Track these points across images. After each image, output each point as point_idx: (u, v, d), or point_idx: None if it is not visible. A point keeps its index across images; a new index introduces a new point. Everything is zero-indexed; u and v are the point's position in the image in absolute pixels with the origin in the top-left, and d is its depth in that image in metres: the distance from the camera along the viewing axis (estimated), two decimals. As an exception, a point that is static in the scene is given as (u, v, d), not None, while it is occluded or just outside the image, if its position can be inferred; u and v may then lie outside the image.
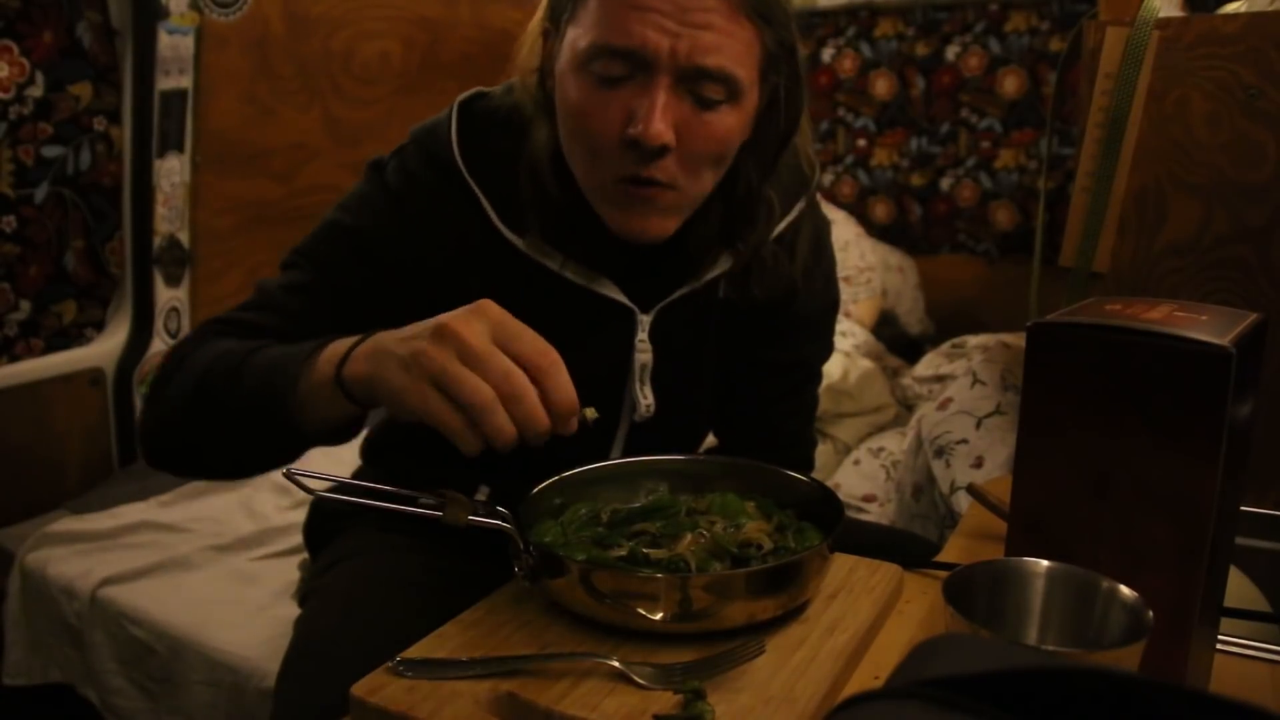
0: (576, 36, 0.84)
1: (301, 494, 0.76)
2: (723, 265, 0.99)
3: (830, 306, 1.14)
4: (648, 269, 0.97)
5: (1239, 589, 0.89)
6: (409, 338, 0.72)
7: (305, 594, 1.13)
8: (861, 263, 2.70)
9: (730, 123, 0.86)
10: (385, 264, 0.94)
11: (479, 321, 0.70)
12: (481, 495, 1.01)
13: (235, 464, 0.93)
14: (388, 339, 0.75)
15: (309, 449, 0.85)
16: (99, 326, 2.08)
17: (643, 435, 1.03)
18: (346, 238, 0.95)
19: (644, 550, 0.77)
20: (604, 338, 0.98)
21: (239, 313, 0.95)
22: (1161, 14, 1.24)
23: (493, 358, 0.69)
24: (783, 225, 1.01)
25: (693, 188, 0.88)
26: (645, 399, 1.00)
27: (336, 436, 0.86)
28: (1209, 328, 0.65)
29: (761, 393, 1.12)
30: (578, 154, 0.89)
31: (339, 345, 0.80)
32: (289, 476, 0.76)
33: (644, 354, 0.99)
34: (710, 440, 1.22)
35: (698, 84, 0.83)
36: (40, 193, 1.91)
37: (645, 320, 0.98)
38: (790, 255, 1.02)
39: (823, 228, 1.10)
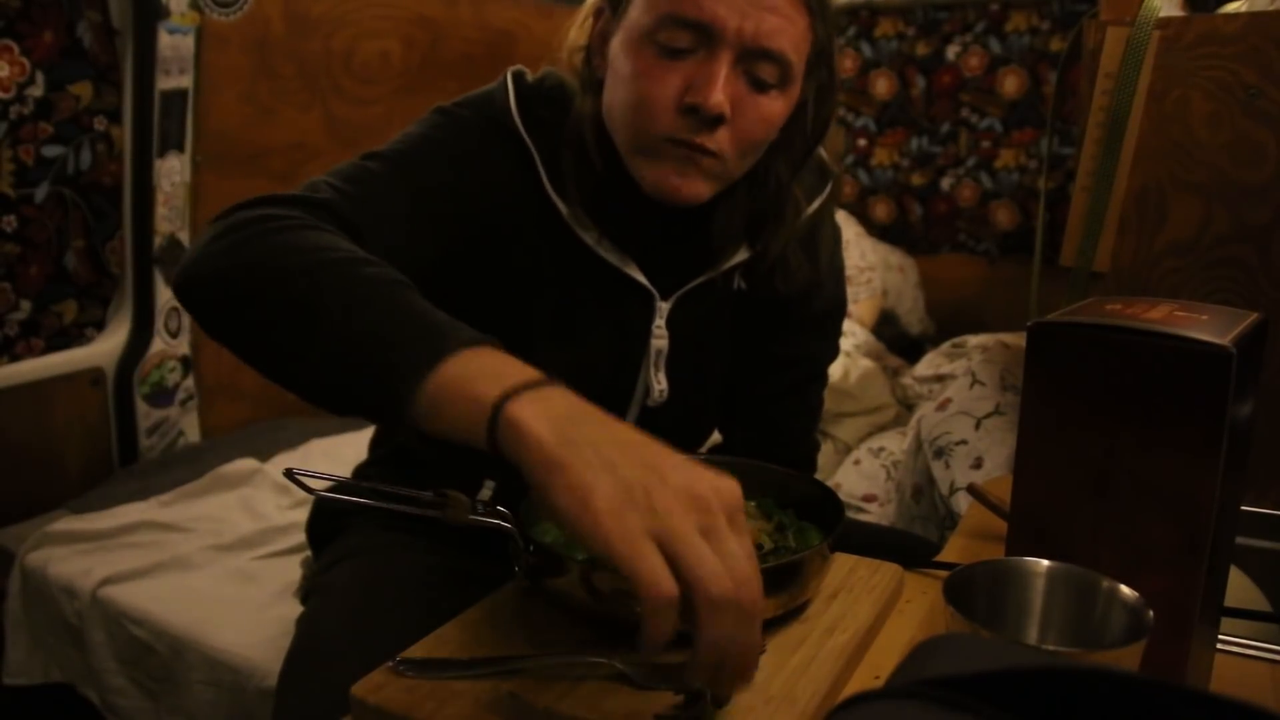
0: (641, 13, 0.87)
1: (302, 493, 0.75)
2: (741, 255, 1.02)
3: (839, 306, 1.17)
4: (671, 256, 1.00)
5: (1239, 588, 0.90)
6: (641, 462, 0.56)
7: (308, 591, 1.14)
8: (862, 262, 2.70)
9: (778, 108, 0.90)
10: (460, 191, 0.92)
11: (727, 495, 0.57)
12: (486, 490, 1.02)
13: (280, 371, 0.72)
14: (598, 427, 0.58)
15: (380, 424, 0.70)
16: (99, 326, 2.08)
17: (652, 422, 1.05)
18: (435, 148, 0.93)
19: (644, 550, 0.77)
20: (624, 320, 1.00)
21: (338, 199, 0.84)
22: (1162, 14, 1.24)
23: (741, 551, 0.55)
24: (801, 220, 1.03)
25: (734, 165, 0.91)
26: (659, 385, 1.02)
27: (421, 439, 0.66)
28: (1209, 327, 0.65)
29: (765, 388, 1.13)
30: (627, 118, 0.90)
31: (502, 364, 0.63)
32: (289, 476, 0.76)
33: (660, 340, 1.01)
34: (714, 438, 1.23)
35: (755, 64, 0.86)
36: (41, 192, 1.91)
37: (664, 307, 1.01)
38: (813, 251, 1.05)
39: (836, 231, 1.13)
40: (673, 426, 1.02)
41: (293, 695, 0.93)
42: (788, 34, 0.86)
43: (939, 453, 1.65)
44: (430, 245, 0.91)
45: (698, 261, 1.01)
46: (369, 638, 0.89)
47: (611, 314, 0.99)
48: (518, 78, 0.98)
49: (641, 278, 0.99)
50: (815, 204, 1.05)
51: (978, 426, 1.65)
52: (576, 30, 0.98)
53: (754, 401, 1.14)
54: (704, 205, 0.94)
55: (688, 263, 1.00)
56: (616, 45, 0.90)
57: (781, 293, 1.03)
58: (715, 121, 0.85)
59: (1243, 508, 0.78)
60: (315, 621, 1.01)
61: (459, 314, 0.68)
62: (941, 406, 1.75)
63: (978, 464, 1.60)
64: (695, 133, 0.86)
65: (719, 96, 0.84)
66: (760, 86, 0.87)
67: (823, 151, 1.07)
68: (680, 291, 1.01)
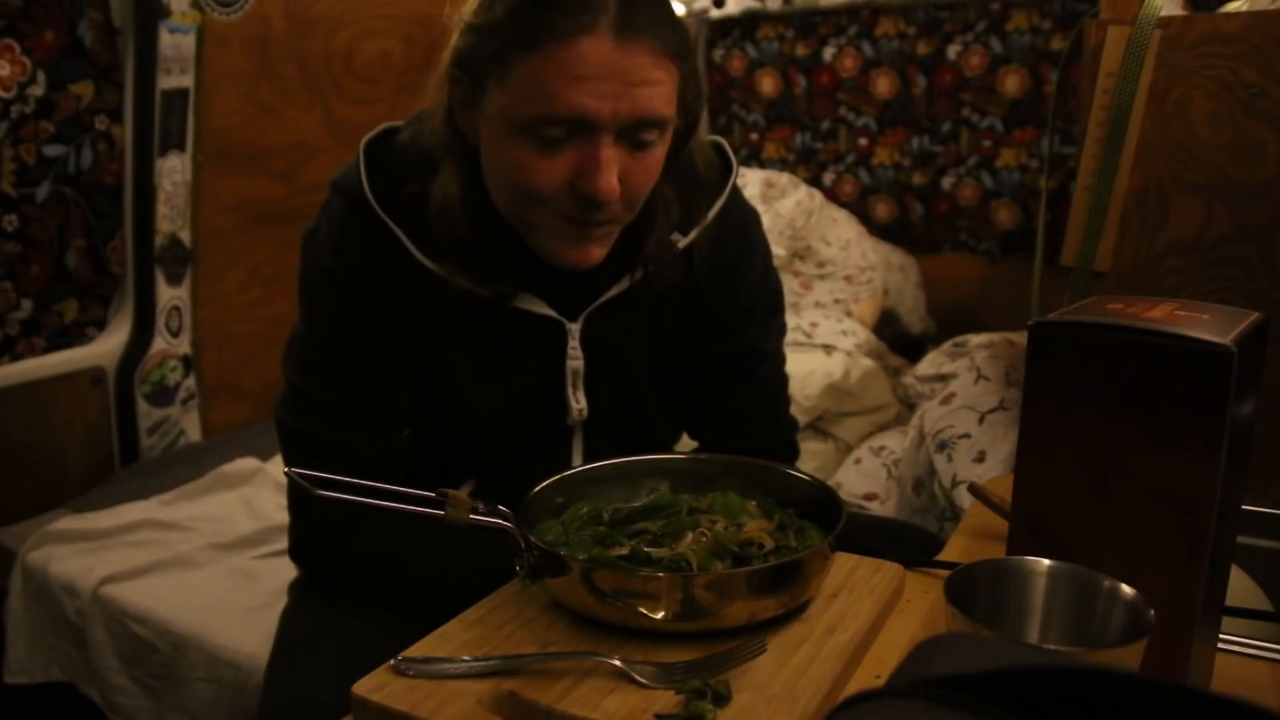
0: (510, 103, 0.85)
1: (303, 493, 0.76)
2: (637, 275, 1.01)
3: (770, 294, 1.15)
4: (568, 281, 0.99)
5: (1240, 588, 0.90)
6: None
7: (292, 586, 1.14)
8: (863, 262, 2.70)
9: (660, 154, 0.90)
10: (353, 322, 0.97)
11: None
12: (467, 488, 1.05)
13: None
14: None
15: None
16: (100, 325, 2.08)
17: (595, 441, 1.06)
18: (327, 326, 0.97)
19: (645, 549, 0.77)
20: (540, 350, 1.01)
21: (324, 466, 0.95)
22: (1163, 13, 1.24)
23: None
24: (695, 231, 1.03)
25: (630, 214, 0.93)
26: (578, 404, 1.03)
27: None
28: (1210, 327, 0.65)
29: (719, 385, 1.12)
30: (514, 206, 0.91)
31: None
32: (290, 476, 0.76)
33: (575, 360, 1.02)
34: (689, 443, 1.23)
35: (636, 133, 0.86)
36: (42, 191, 1.91)
37: (574, 328, 1.01)
38: (713, 248, 1.04)
39: (750, 219, 1.11)
40: (623, 444, 1.03)
41: (281, 689, 0.93)
42: (661, 97, 0.85)
43: (942, 446, 1.65)
44: (375, 339, 0.96)
45: (602, 279, 1.01)
46: (357, 633, 0.90)
47: (526, 348, 1.00)
48: (371, 148, 0.98)
49: (545, 309, 0.99)
50: (720, 200, 1.04)
51: (981, 421, 1.65)
52: (433, 97, 0.95)
53: (713, 402, 1.13)
54: None
55: (592, 281, 1.00)
56: (487, 127, 0.89)
57: (658, 291, 1.02)
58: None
59: (1244, 507, 0.78)
60: (297, 624, 1.02)
61: (401, 388, 0.96)
62: (945, 400, 1.75)
63: (980, 458, 1.59)
64: (589, 211, 0.87)
65: (608, 182, 0.84)
66: (642, 147, 0.87)
67: (724, 142, 1.07)
68: (586, 312, 1.01)
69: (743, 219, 1.09)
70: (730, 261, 1.07)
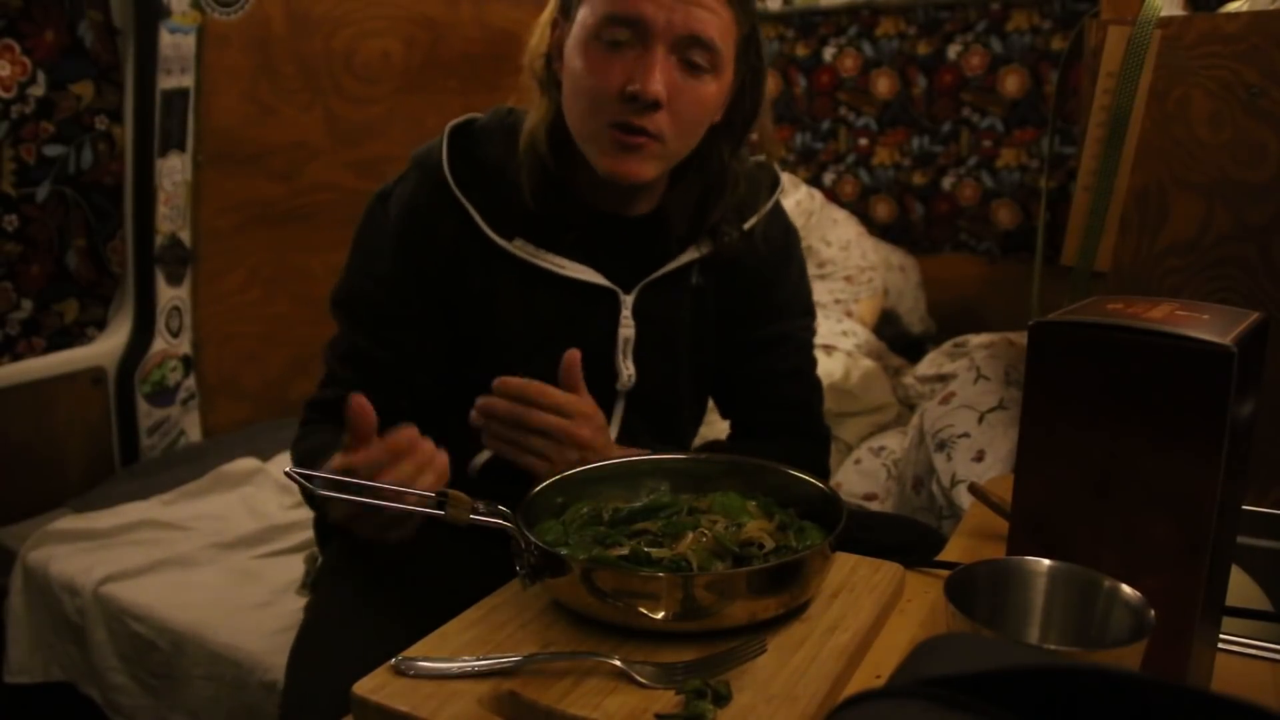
0: (588, 15, 0.98)
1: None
2: (694, 252, 1.11)
3: (804, 298, 1.25)
4: (630, 253, 1.09)
5: (1241, 588, 0.89)
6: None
7: (315, 583, 1.15)
8: (863, 262, 2.70)
9: (712, 91, 1.01)
10: (405, 289, 1.06)
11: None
12: (481, 457, 1.08)
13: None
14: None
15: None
16: (101, 325, 2.08)
17: (634, 412, 1.14)
18: (369, 282, 1.08)
19: (645, 549, 0.77)
20: (593, 319, 1.10)
21: (325, 391, 1.10)
22: (1163, 13, 1.24)
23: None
24: (754, 219, 1.14)
25: (675, 143, 1.01)
26: (627, 369, 1.11)
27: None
28: (1210, 327, 0.65)
29: (754, 367, 1.20)
30: (579, 108, 1.01)
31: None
32: (290, 476, 0.77)
33: (627, 329, 1.11)
34: (700, 437, 1.26)
35: (688, 52, 0.97)
36: (42, 191, 1.91)
37: (628, 299, 1.10)
38: (761, 241, 1.15)
39: (791, 233, 1.23)
40: (654, 416, 1.15)
41: (300, 686, 0.94)
42: (713, 23, 0.97)
43: (941, 445, 1.65)
44: (417, 300, 1.06)
45: (656, 256, 1.11)
46: (375, 632, 0.90)
47: (581, 317, 1.09)
48: (455, 131, 1.09)
49: (602, 280, 1.08)
50: (767, 206, 1.15)
51: (980, 420, 1.65)
52: (537, 40, 1.08)
53: (751, 384, 1.21)
54: (656, 204, 1.08)
55: (647, 258, 1.10)
56: (569, 46, 1.01)
57: (725, 255, 1.12)
58: (654, 106, 0.96)
59: (1244, 507, 0.78)
60: (322, 613, 1.03)
61: (429, 354, 1.06)
62: (945, 400, 1.75)
63: (980, 457, 1.60)
64: (636, 115, 0.97)
65: (656, 84, 0.95)
66: (694, 71, 0.98)
67: (775, 166, 1.19)
68: (642, 284, 1.10)
69: (784, 229, 1.21)
70: (770, 265, 1.17)
